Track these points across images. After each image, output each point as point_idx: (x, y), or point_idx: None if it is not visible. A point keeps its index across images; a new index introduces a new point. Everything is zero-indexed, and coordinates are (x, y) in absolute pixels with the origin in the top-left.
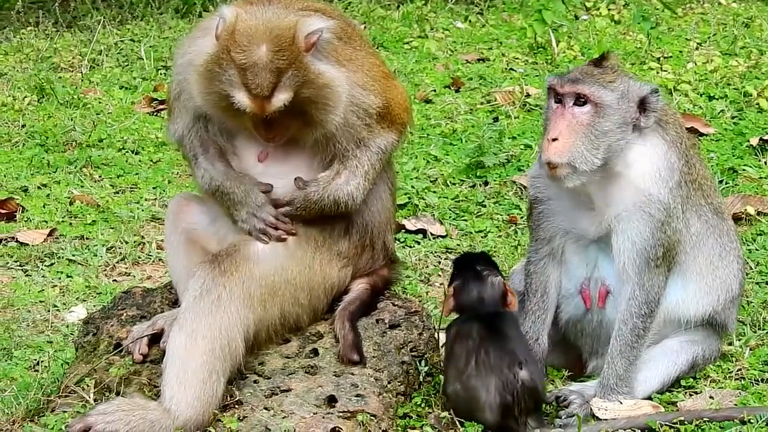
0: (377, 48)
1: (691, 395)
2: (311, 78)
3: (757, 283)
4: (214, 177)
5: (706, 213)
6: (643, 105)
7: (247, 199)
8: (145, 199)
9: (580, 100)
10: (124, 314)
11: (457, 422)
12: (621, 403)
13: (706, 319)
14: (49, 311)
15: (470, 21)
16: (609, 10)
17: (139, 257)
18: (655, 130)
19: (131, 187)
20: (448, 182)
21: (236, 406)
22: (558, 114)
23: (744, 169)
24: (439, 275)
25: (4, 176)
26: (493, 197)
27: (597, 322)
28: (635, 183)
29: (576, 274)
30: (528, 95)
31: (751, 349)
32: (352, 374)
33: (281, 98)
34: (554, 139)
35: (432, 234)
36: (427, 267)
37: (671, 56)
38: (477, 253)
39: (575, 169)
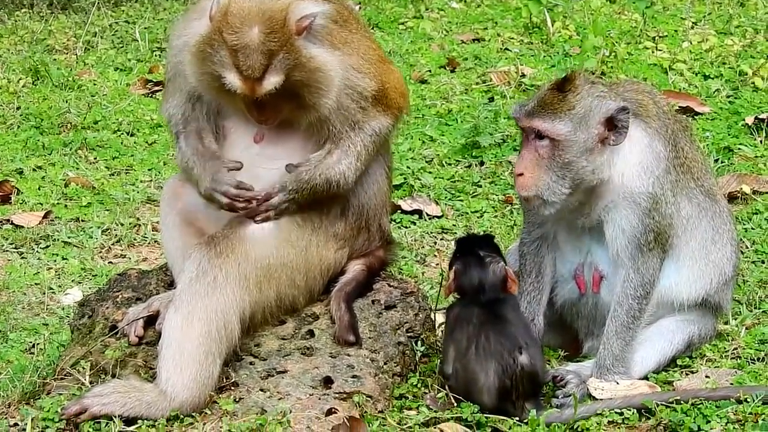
0: (372, 29)
1: (687, 375)
2: (303, 61)
3: (753, 262)
4: (184, 153)
5: (696, 195)
6: (611, 123)
7: (205, 174)
8: (141, 181)
9: (540, 133)
10: (120, 296)
11: (453, 401)
12: (617, 383)
13: (699, 302)
14: (44, 293)
15: (465, 1)
16: None
17: (135, 239)
18: (635, 125)
19: (126, 169)
20: (443, 162)
21: (232, 388)
22: (523, 147)
23: (739, 148)
24: (435, 255)
25: None
26: (489, 177)
27: (592, 305)
28: (620, 179)
29: (569, 260)
30: (523, 75)
31: (747, 329)
32: (348, 355)
33: (272, 81)
34: (520, 174)
35: (428, 214)
36: (423, 247)
37: (666, 35)
38: (480, 235)
39: (545, 200)
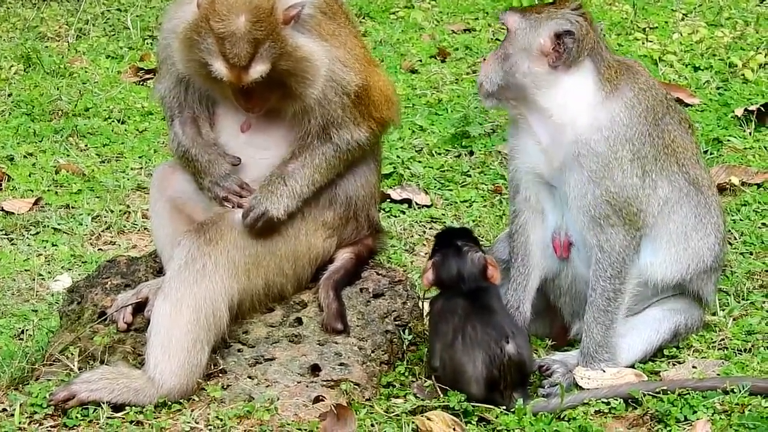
0: (363, 18)
1: (674, 365)
2: (289, 50)
3: (741, 254)
4: (182, 142)
5: (678, 180)
6: (558, 42)
7: (211, 169)
8: (131, 169)
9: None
10: (109, 283)
11: (440, 390)
12: (604, 371)
13: (675, 286)
14: (34, 280)
15: None
16: None
17: (125, 226)
18: (591, 80)
19: (117, 157)
20: (433, 152)
21: (220, 375)
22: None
23: (729, 140)
24: (424, 245)
25: None
26: (478, 167)
27: (571, 278)
28: (565, 122)
29: (550, 221)
30: None
31: (734, 319)
32: (336, 343)
33: (258, 69)
34: (484, 60)
35: (417, 203)
36: (412, 236)
37: (657, 27)
38: (458, 228)
39: (482, 87)
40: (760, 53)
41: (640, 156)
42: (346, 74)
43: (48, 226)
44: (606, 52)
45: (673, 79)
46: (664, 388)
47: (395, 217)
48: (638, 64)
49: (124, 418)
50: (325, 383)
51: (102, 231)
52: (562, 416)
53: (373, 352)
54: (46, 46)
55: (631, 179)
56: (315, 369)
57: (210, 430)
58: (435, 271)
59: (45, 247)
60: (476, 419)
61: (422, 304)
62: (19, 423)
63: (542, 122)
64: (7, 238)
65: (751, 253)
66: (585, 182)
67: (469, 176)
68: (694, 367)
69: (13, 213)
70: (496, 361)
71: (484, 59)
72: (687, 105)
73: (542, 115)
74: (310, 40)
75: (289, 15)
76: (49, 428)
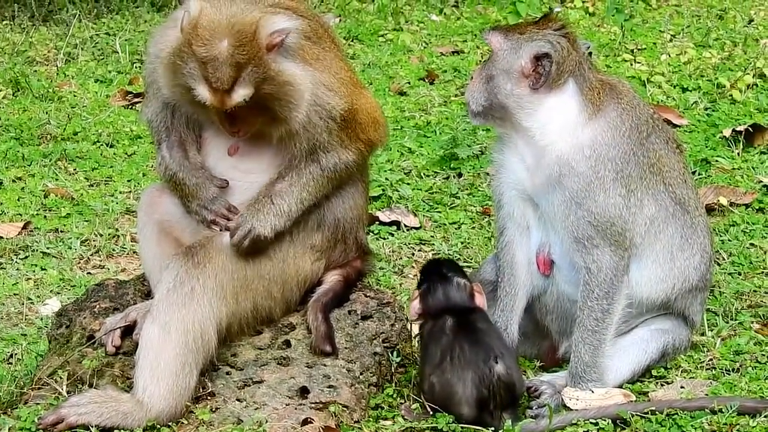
0: (352, 41)
1: (662, 385)
2: (272, 75)
3: (729, 274)
4: (169, 165)
5: (664, 199)
6: (537, 64)
7: (198, 192)
8: (120, 192)
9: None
10: (97, 306)
11: (429, 409)
12: (592, 392)
13: (660, 305)
14: (23, 304)
15: (445, 14)
16: (583, 2)
17: (114, 250)
18: (574, 101)
19: (106, 180)
20: (422, 174)
21: (209, 398)
22: None
23: (717, 160)
24: (413, 267)
25: None
26: (467, 189)
27: (557, 296)
28: (547, 143)
29: (535, 238)
30: None
31: (722, 339)
32: (325, 365)
33: (241, 93)
34: (471, 80)
35: (406, 225)
36: (401, 258)
37: (645, 48)
38: (443, 259)
39: (468, 106)
40: (748, 74)
41: (624, 175)
42: (330, 98)
43: (37, 250)
44: (590, 72)
45: (662, 100)
46: (653, 408)
47: (384, 239)
48: (623, 84)
49: None
50: (313, 405)
51: (91, 255)
52: None
53: (361, 374)
54: (35, 71)
55: (614, 199)
56: (303, 391)
57: None
58: (422, 301)
59: (34, 271)
60: None
61: (410, 326)
62: None
63: (526, 141)
64: None
65: (739, 274)
66: (567, 202)
67: (458, 198)
68: (682, 387)
69: (2, 237)
70: (485, 380)
71: (472, 77)
72: (675, 126)
73: (526, 134)
74: (294, 64)
75: (273, 42)
76: None
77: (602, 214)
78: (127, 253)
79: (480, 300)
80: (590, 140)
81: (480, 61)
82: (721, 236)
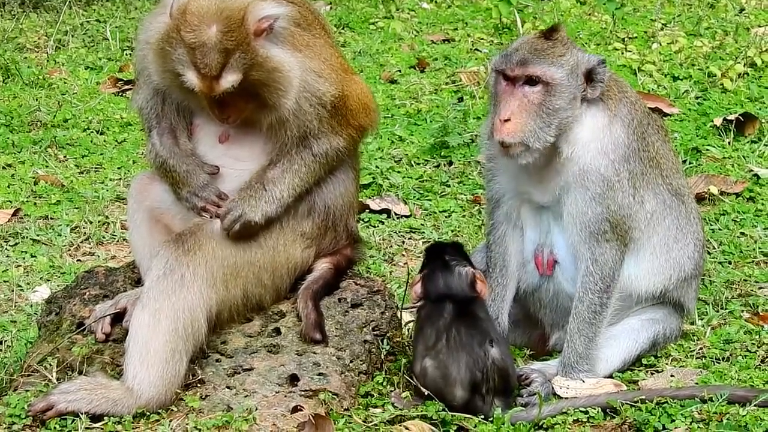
0: (343, 28)
1: (652, 374)
2: (260, 61)
3: (719, 263)
4: (159, 152)
5: (662, 192)
6: (590, 76)
7: (189, 179)
8: (110, 179)
9: (532, 80)
10: (87, 293)
11: (418, 399)
12: (583, 381)
13: (657, 296)
14: (13, 291)
15: (436, 1)
16: None
17: (104, 237)
18: (597, 104)
19: (96, 167)
20: (412, 162)
21: (198, 385)
22: (508, 93)
23: (707, 149)
24: (403, 255)
25: None
26: (457, 177)
27: (553, 293)
28: (575, 154)
29: (531, 239)
30: None
31: (712, 328)
32: (315, 353)
33: (230, 79)
34: (506, 120)
35: (396, 214)
36: (391, 246)
37: (636, 37)
38: (448, 243)
39: (528, 147)
40: (739, 63)
41: (634, 174)
42: (320, 84)
43: (27, 237)
44: None
45: (653, 89)
46: (643, 397)
47: (374, 227)
48: (615, 74)
49: (102, 429)
50: (303, 393)
51: (81, 242)
52: (540, 425)
53: (351, 362)
54: (25, 57)
55: (628, 199)
56: (293, 379)
57: None
58: (423, 285)
59: (24, 258)
60: (455, 428)
61: (401, 314)
62: None
63: (547, 157)
64: None
65: (729, 262)
66: (588, 201)
67: (448, 186)
68: (672, 376)
69: None
70: (479, 363)
71: (506, 119)
72: (666, 115)
73: (552, 147)
74: (283, 50)
75: (260, 27)
76: None
77: (618, 212)
78: (117, 241)
79: (481, 288)
80: (612, 143)
81: (471, 49)
82: (711, 225)
